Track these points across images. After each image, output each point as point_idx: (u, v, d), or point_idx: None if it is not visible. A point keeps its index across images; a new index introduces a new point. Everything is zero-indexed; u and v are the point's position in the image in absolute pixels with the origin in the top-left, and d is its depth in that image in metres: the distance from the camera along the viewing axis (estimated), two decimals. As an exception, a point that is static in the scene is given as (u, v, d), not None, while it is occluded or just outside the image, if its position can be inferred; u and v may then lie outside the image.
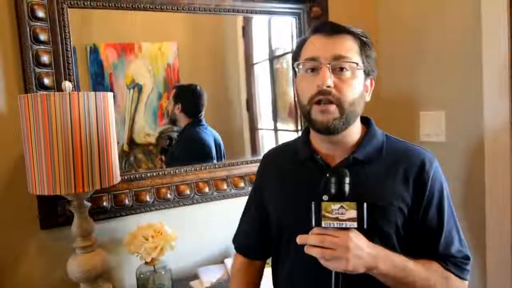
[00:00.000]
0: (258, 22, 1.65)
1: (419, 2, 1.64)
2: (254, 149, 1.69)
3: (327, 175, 0.82)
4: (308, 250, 0.79)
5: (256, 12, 1.60)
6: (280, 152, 1.09)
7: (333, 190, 0.80)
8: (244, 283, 1.07)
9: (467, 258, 0.90)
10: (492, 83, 1.42)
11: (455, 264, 0.88)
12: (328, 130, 0.87)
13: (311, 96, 0.87)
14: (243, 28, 1.63)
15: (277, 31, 1.69)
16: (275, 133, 1.74)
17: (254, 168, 1.62)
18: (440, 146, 1.55)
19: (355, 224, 0.77)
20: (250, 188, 1.58)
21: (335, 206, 0.78)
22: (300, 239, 0.81)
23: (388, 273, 0.81)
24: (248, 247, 1.09)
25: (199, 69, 1.58)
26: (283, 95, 1.72)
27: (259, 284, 1.09)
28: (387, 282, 0.83)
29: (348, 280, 0.81)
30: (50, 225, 1.28)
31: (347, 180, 0.80)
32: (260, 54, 1.67)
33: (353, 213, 0.77)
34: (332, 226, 0.78)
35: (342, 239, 0.77)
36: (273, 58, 1.70)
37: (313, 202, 0.79)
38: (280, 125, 1.73)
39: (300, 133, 1.71)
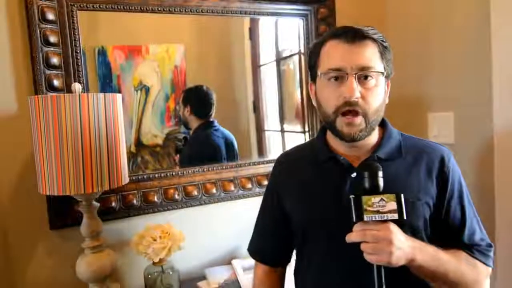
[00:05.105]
0: (265, 24, 1.66)
1: (427, 1, 1.63)
2: (261, 151, 1.69)
3: (361, 170, 0.82)
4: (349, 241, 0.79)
5: (263, 14, 1.60)
6: (296, 154, 1.08)
7: (367, 185, 0.80)
8: None
9: (490, 245, 0.94)
10: (502, 82, 1.40)
11: (480, 251, 0.91)
12: (353, 140, 0.89)
13: (337, 107, 0.87)
14: (250, 29, 1.63)
15: (284, 33, 1.69)
16: (281, 134, 1.74)
17: (261, 169, 1.62)
18: (449, 148, 1.53)
19: (396, 216, 0.77)
20: (257, 189, 1.59)
21: (376, 199, 0.78)
22: (347, 237, 0.79)
23: (424, 264, 0.82)
24: (265, 252, 1.07)
25: (206, 70, 1.58)
26: (290, 96, 1.72)
27: None
28: (422, 273, 0.84)
29: (388, 274, 0.79)
30: (59, 225, 1.30)
31: (380, 173, 0.80)
32: (266, 56, 1.67)
33: (393, 205, 0.77)
34: (374, 219, 0.77)
35: (384, 232, 0.77)
36: (280, 60, 1.71)
37: (351, 197, 0.79)
38: (287, 127, 1.73)
39: (307, 134, 1.73)
